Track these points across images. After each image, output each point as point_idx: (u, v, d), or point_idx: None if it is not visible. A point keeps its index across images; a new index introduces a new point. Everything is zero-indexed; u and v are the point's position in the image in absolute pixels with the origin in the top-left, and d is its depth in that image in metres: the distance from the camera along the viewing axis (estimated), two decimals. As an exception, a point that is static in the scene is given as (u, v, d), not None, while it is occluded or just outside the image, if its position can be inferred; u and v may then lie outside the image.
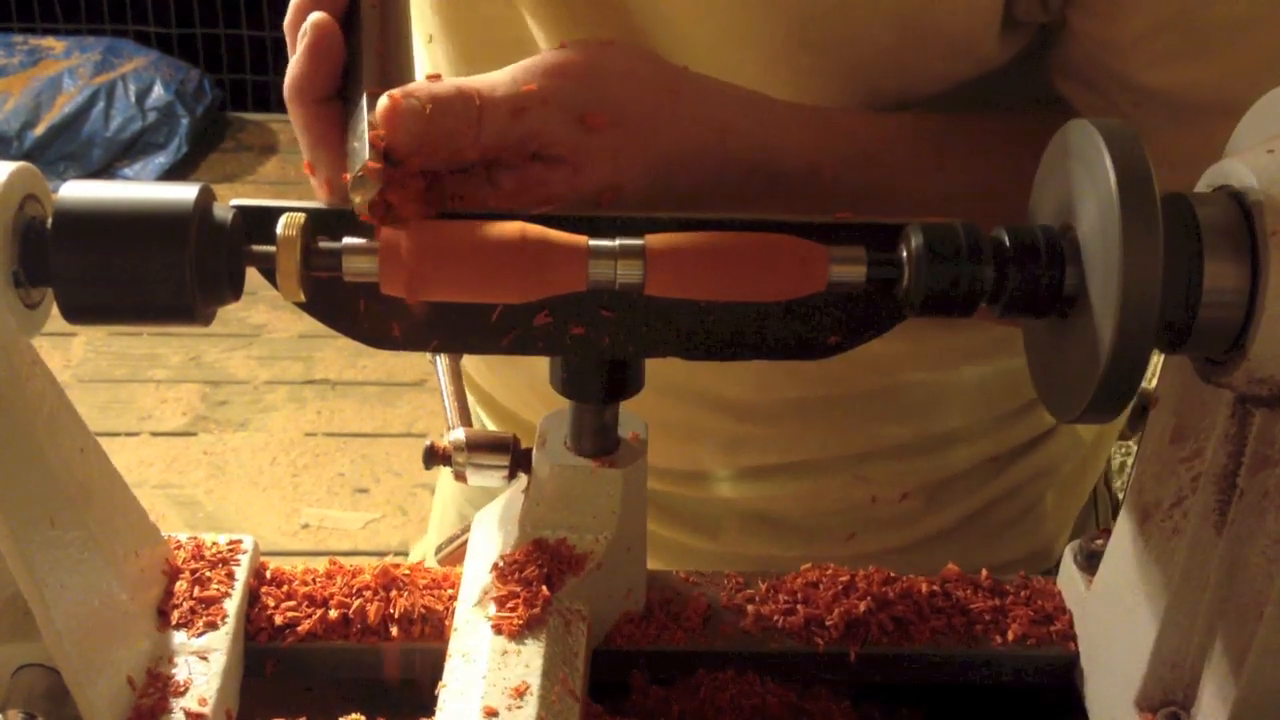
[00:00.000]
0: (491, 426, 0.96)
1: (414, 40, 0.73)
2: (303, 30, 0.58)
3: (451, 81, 0.57)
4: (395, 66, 0.60)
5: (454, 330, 0.59)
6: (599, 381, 0.62)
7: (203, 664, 0.63)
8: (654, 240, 0.54)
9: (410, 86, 0.56)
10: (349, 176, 0.55)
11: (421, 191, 0.56)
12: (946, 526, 0.90)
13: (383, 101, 0.55)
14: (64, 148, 3.43)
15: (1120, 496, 1.04)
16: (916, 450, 0.87)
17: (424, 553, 1.17)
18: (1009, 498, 0.92)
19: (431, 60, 0.79)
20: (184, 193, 0.52)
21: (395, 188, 0.54)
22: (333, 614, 0.66)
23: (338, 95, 0.59)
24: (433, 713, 0.59)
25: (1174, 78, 0.67)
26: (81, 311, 0.53)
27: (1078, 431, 0.93)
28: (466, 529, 0.71)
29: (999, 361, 0.86)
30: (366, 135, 0.55)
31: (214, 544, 0.69)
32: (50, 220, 0.52)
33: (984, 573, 0.71)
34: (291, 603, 0.67)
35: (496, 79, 0.58)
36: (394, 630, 0.66)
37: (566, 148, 0.58)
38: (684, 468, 0.88)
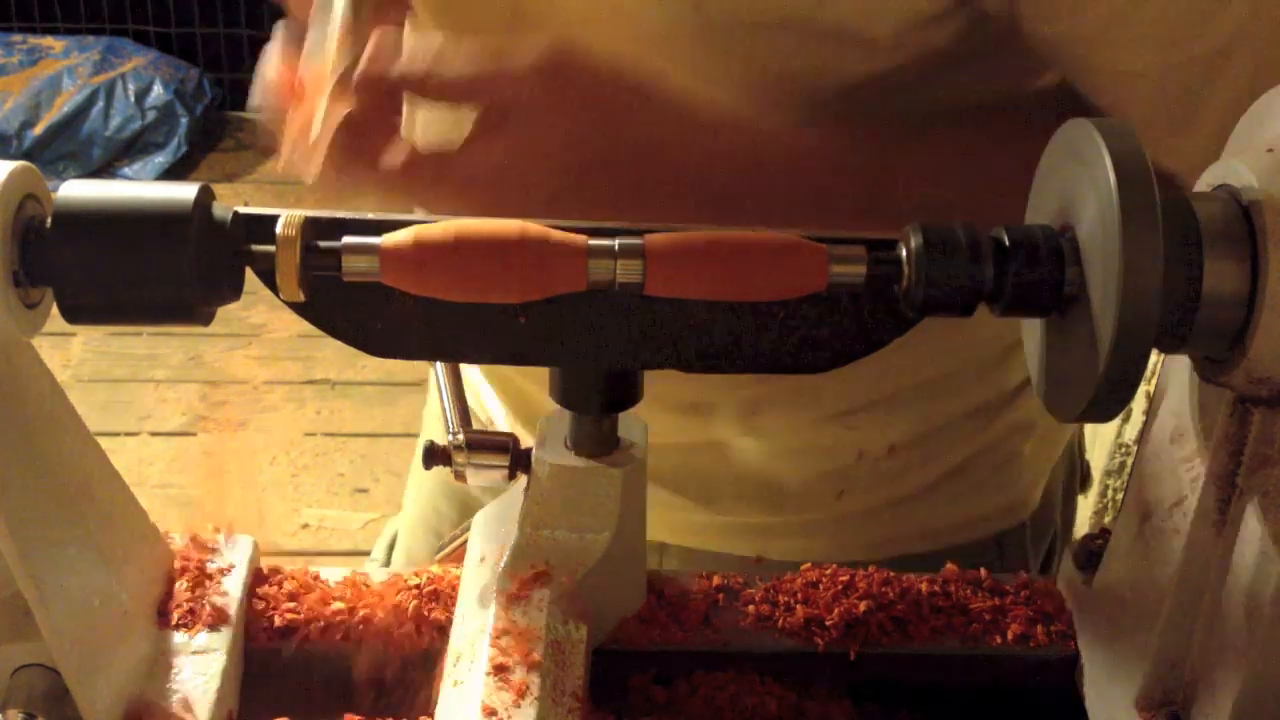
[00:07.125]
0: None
1: None
2: None
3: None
4: None
5: (450, 340, 0.59)
6: (597, 393, 0.62)
7: (203, 664, 0.63)
8: (653, 239, 0.54)
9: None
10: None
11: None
12: (932, 480, 0.91)
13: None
14: (63, 147, 3.43)
15: (1088, 465, 1.05)
16: (905, 400, 0.88)
17: (392, 530, 1.17)
18: (991, 450, 0.92)
19: None
20: (183, 192, 0.52)
21: None
22: (332, 614, 0.66)
23: None
24: (433, 713, 0.59)
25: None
26: (81, 311, 0.53)
27: None
28: (466, 529, 0.71)
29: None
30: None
31: (214, 544, 0.69)
32: (50, 220, 0.52)
33: (984, 572, 0.71)
34: (292, 603, 0.67)
35: None
36: (394, 631, 0.66)
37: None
38: (699, 440, 0.88)
